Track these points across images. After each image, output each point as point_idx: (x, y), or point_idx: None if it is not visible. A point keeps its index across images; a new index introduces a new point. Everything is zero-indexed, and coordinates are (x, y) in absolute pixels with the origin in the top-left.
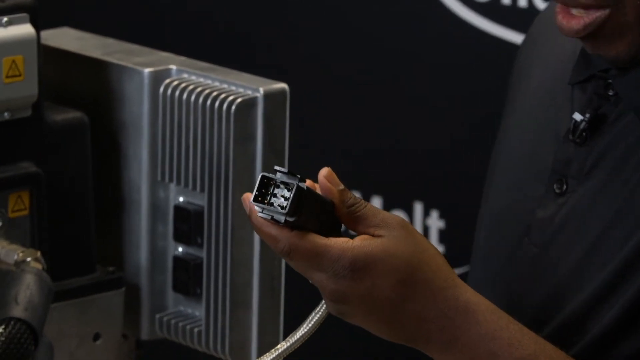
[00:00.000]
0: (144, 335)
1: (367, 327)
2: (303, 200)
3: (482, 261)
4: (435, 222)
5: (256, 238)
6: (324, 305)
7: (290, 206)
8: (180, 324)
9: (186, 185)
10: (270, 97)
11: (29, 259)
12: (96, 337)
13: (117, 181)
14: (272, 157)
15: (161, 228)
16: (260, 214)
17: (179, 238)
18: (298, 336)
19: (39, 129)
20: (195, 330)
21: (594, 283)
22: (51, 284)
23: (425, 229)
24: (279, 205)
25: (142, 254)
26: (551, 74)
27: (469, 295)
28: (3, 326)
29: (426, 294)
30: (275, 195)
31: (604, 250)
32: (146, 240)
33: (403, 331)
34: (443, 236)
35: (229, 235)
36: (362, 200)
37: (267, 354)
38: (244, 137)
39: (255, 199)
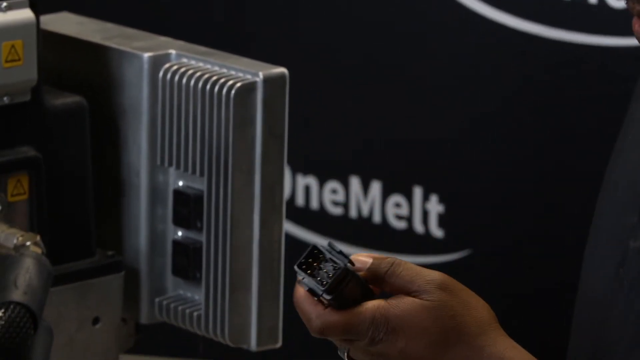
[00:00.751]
0: (144, 319)
1: None
2: (345, 282)
3: (583, 291)
4: (435, 207)
5: (256, 221)
6: None
7: (330, 284)
8: (180, 308)
9: (186, 169)
10: (270, 82)
11: (28, 243)
12: (95, 320)
13: (116, 165)
14: (271, 141)
15: (160, 212)
16: (299, 282)
17: (178, 222)
18: None
19: (38, 114)
20: (195, 314)
21: None
22: (50, 268)
23: (425, 214)
24: (320, 280)
25: (142, 238)
26: None
27: (508, 350)
28: (2, 310)
29: (464, 353)
30: (321, 269)
31: None
32: (145, 225)
33: None
34: (442, 220)
35: (229, 220)
36: (397, 264)
37: None
38: (244, 121)
39: (300, 266)
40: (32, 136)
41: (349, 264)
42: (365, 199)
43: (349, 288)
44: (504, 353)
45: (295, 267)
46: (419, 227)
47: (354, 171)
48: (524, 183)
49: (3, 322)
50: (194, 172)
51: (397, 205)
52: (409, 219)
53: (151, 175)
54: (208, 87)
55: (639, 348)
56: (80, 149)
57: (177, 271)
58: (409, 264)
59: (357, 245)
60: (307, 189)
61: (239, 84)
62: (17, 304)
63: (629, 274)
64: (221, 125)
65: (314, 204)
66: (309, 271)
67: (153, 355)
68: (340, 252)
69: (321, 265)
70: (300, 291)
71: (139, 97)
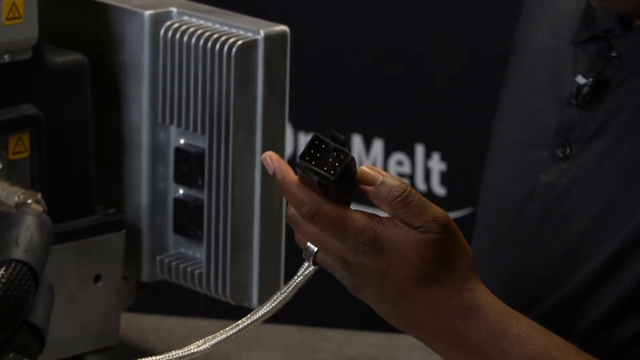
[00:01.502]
0: (145, 277)
1: (377, 308)
2: (348, 172)
3: (486, 224)
4: (437, 165)
5: (257, 179)
6: (310, 268)
7: (339, 174)
8: (181, 266)
9: (187, 127)
10: (271, 40)
11: (29, 201)
12: (97, 279)
13: (117, 123)
14: (272, 99)
15: (162, 170)
16: (302, 171)
17: (179, 180)
18: (278, 300)
19: (39, 71)
20: (196, 272)
21: (600, 255)
22: (51, 226)
23: (427, 172)
24: (326, 170)
25: (143, 196)
26: (555, 34)
27: (484, 296)
28: (3, 268)
29: (440, 294)
30: (323, 160)
31: (611, 218)
32: (147, 183)
33: (409, 320)
34: (444, 178)
35: (230, 177)
36: (408, 193)
37: (244, 318)
38: (245, 79)
39: (303, 157)
40: (33, 94)
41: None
42: (367, 156)
43: (349, 178)
44: (480, 298)
45: (299, 160)
46: (421, 185)
47: (356, 129)
48: None
49: (4, 280)
50: (195, 130)
51: (399, 163)
52: (411, 176)
53: (152, 133)
54: (209, 44)
55: (551, 284)
56: (81, 107)
57: (179, 229)
58: (418, 194)
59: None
60: None
61: (240, 42)
62: (18, 262)
63: (540, 209)
64: (222, 83)
65: None
66: (313, 162)
67: (154, 313)
68: (344, 140)
69: (324, 157)
70: (285, 174)
71: (140, 55)
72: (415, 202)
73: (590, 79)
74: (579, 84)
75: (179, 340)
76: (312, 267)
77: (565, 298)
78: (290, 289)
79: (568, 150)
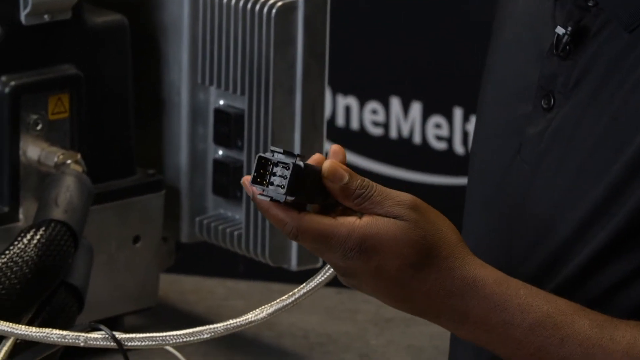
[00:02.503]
0: (184, 238)
1: (382, 301)
2: (302, 178)
3: (477, 181)
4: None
5: (296, 140)
6: (330, 270)
7: (288, 185)
8: (220, 227)
9: (226, 88)
10: (311, 1)
11: (69, 162)
12: (136, 239)
13: (157, 84)
14: (312, 61)
15: (201, 131)
16: (259, 196)
17: (219, 141)
18: (298, 295)
19: (79, 32)
20: (235, 233)
21: (589, 198)
22: (91, 187)
23: (465, 135)
24: (278, 185)
25: (182, 157)
26: None
27: (478, 270)
28: (43, 228)
29: (434, 276)
30: (274, 174)
31: (598, 162)
32: (186, 143)
33: (412, 307)
34: None
35: (269, 138)
36: (369, 187)
37: (266, 306)
38: (285, 40)
39: (254, 181)
40: (73, 54)
41: (298, 161)
42: (405, 119)
43: (309, 182)
44: (475, 273)
45: (250, 184)
46: (459, 148)
47: (394, 92)
48: None
49: (43, 240)
50: (234, 91)
51: (438, 126)
52: (449, 139)
53: (192, 94)
54: (249, 5)
55: (544, 233)
56: (121, 67)
57: (218, 190)
58: (379, 186)
59: (396, 166)
60: (348, 109)
61: (280, 3)
62: (58, 222)
63: (528, 161)
64: (262, 44)
65: (354, 124)
66: (264, 182)
67: (193, 274)
68: (286, 152)
69: (274, 171)
70: (264, 201)
71: (180, 15)
72: (377, 194)
73: (569, 29)
74: (558, 35)
75: (218, 301)
76: None
77: (558, 245)
78: (307, 288)
79: (552, 100)
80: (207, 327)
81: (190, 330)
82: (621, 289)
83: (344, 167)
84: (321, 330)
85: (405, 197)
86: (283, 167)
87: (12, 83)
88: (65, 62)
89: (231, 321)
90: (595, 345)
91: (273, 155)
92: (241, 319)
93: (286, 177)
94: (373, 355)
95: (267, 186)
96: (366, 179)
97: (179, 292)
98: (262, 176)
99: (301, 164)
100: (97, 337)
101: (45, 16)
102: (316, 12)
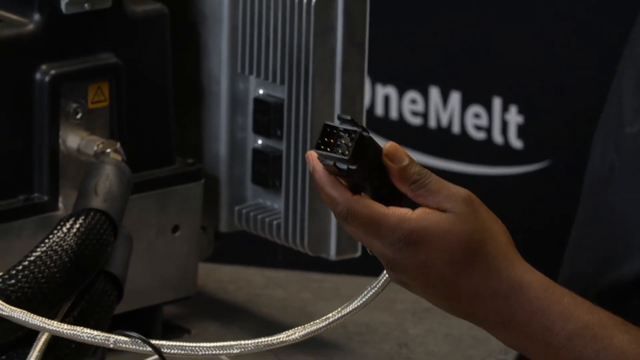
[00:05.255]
0: (223, 227)
1: (428, 300)
2: (365, 149)
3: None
4: (514, 117)
5: None
6: (385, 276)
7: (352, 152)
8: (259, 217)
9: (266, 77)
10: None
11: (108, 150)
12: (175, 228)
13: (196, 73)
14: (352, 49)
15: (240, 120)
16: (323, 162)
17: (258, 130)
18: (355, 306)
19: (119, 20)
20: (274, 222)
21: None
22: (130, 175)
23: (504, 125)
24: (341, 153)
25: (222, 146)
26: None
27: (525, 273)
28: (82, 217)
29: (481, 274)
30: (338, 144)
31: None
32: (225, 132)
33: (459, 307)
34: (522, 131)
35: (309, 128)
36: (426, 174)
37: (318, 321)
38: (324, 28)
39: (318, 147)
40: (113, 43)
41: (363, 132)
42: (444, 109)
43: (371, 156)
44: (522, 277)
45: (314, 150)
46: (498, 137)
47: (433, 81)
48: (605, 93)
49: (83, 229)
50: (274, 80)
51: (477, 115)
52: (488, 129)
53: (231, 83)
54: None
55: (629, 236)
56: (160, 56)
57: (257, 179)
58: (435, 176)
59: (435, 156)
60: (387, 99)
61: None
62: (97, 211)
63: (622, 159)
64: (302, 32)
65: (393, 113)
66: (328, 149)
67: (232, 264)
68: (352, 121)
69: (338, 141)
70: (322, 173)
71: (220, 4)
72: (434, 182)
73: None
74: None
75: (257, 290)
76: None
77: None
78: (365, 297)
79: None
80: (239, 342)
81: (221, 343)
82: None
83: (406, 152)
84: (359, 320)
85: (460, 190)
86: (348, 135)
87: (52, 72)
88: (105, 50)
89: (263, 339)
90: None
91: (340, 124)
92: (274, 337)
93: (350, 146)
94: (411, 345)
95: (331, 153)
96: (425, 169)
97: (217, 281)
98: (325, 144)
99: (366, 134)
100: (125, 340)
101: (86, 5)
102: (356, 1)
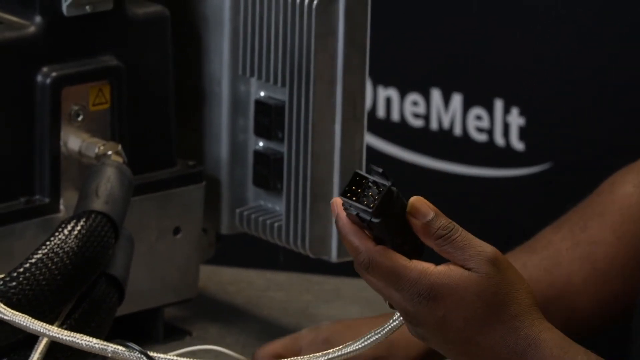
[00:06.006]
0: (224, 229)
1: (446, 354)
2: (392, 204)
3: None
4: (516, 119)
5: (337, 132)
6: (399, 319)
7: (377, 205)
8: (261, 219)
9: (267, 79)
10: None
11: (109, 152)
12: (176, 230)
13: (197, 75)
14: (353, 52)
15: (242, 122)
16: (347, 209)
17: (259, 132)
18: (367, 342)
19: (121, 23)
20: (276, 224)
21: None
22: (132, 178)
23: (506, 127)
24: (366, 204)
25: (223, 148)
26: None
27: (542, 332)
28: (83, 219)
29: (500, 333)
30: (365, 195)
31: None
32: (227, 135)
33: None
34: (523, 133)
35: (310, 130)
36: (452, 229)
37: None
38: (326, 32)
39: (344, 194)
40: (114, 45)
41: (392, 187)
42: (446, 111)
43: (396, 211)
44: (539, 335)
45: (340, 197)
46: (499, 139)
47: (435, 83)
48: (607, 95)
49: (84, 231)
50: (275, 82)
51: (478, 117)
52: (490, 131)
53: (233, 85)
54: None
55: None
56: (161, 58)
57: (258, 181)
58: (464, 231)
59: (437, 158)
60: (388, 101)
61: None
62: (99, 213)
63: None
64: (303, 35)
65: (395, 115)
66: (354, 198)
67: (233, 266)
68: (383, 173)
69: (365, 192)
70: (345, 221)
71: (221, 6)
72: (460, 238)
73: None
74: None
75: (258, 292)
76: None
77: None
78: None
79: None
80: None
81: None
82: None
83: (431, 205)
84: None
85: (487, 248)
86: (377, 187)
87: (54, 74)
88: (107, 53)
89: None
90: None
91: (370, 174)
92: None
93: (376, 199)
94: None
95: (356, 203)
96: (452, 222)
97: (218, 283)
98: (352, 192)
99: (395, 189)
100: (123, 350)
101: (87, 7)
102: (357, 3)
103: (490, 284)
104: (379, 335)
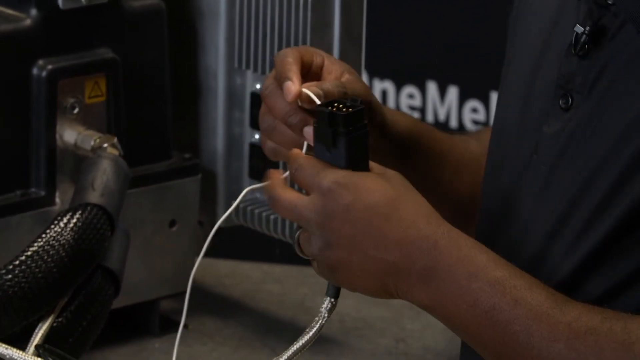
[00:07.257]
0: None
1: (352, 266)
2: (360, 126)
3: (494, 179)
4: None
5: None
6: (324, 319)
7: (350, 113)
8: (256, 211)
9: (263, 72)
10: None
11: (105, 145)
12: (172, 223)
13: (193, 68)
14: (349, 44)
15: (237, 115)
16: (318, 123)
17: (255, 125)
18: (294, 350)
19: (116, 16)
20: (272, 217)
21: (595, 197)
22: (127, 170)
23: None
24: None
25: (219, 141)
26: None
27: (452, 227)
28: (79, 212)
29: (409, 217)
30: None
31: (615, 164)
32: (222, 127)
33: (386, 258)
34: None
35: None
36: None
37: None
38: (321, 23)
39: (321, 105)
40: (110, 38)
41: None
42: (442, 103)
43: (360, 137)
44: (450, 226)
45: (316, 107)
46: None
47: (431, 76)
48: None
49: (80, 224)
50: None
51: (474, 110)
52: (486, 124)
53: (228, 77)
54: None
55: (555, 234)
56: (157, 51)
57: (254, 174)
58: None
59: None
60: (384, 94)
61: None
62: (94, 205)
63: (544, 161)
64: (299, 27)
65: (391, 108)
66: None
67: (229, 258)
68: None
69: (342, 106)
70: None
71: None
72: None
73: (588, 28)
74: (577, 33)
75: (254, 285)
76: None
77: (567, 243)
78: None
79: (570, 100)
80: None
81: None
82: (619, 291)
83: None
84: (357, 315)
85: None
86: (354, 103)
87: (49, 67)
88: (102, 46)
89: None
90: (544, 313)
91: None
92: None
93: (350, 111)
94: (409, 340)
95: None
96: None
97: (214, 276)
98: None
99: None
100: None
101: (83, 0)
102: None
103: (396, 184)
104: (304, 341)
